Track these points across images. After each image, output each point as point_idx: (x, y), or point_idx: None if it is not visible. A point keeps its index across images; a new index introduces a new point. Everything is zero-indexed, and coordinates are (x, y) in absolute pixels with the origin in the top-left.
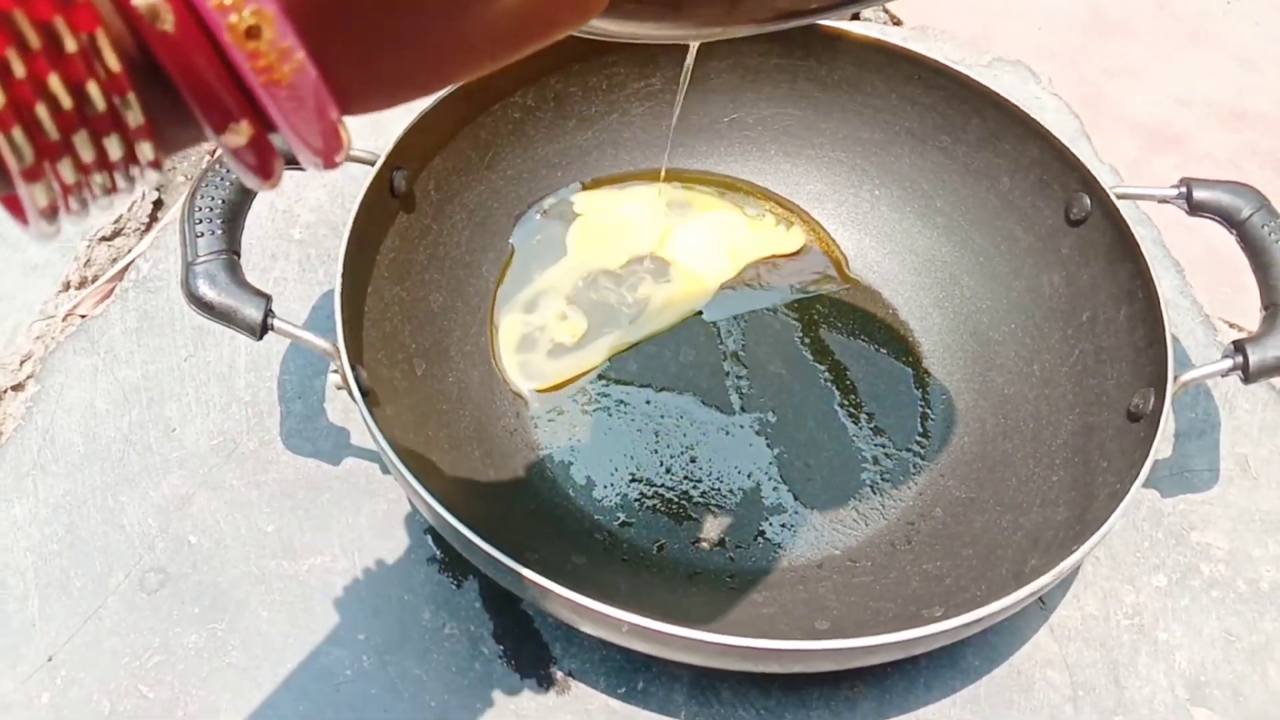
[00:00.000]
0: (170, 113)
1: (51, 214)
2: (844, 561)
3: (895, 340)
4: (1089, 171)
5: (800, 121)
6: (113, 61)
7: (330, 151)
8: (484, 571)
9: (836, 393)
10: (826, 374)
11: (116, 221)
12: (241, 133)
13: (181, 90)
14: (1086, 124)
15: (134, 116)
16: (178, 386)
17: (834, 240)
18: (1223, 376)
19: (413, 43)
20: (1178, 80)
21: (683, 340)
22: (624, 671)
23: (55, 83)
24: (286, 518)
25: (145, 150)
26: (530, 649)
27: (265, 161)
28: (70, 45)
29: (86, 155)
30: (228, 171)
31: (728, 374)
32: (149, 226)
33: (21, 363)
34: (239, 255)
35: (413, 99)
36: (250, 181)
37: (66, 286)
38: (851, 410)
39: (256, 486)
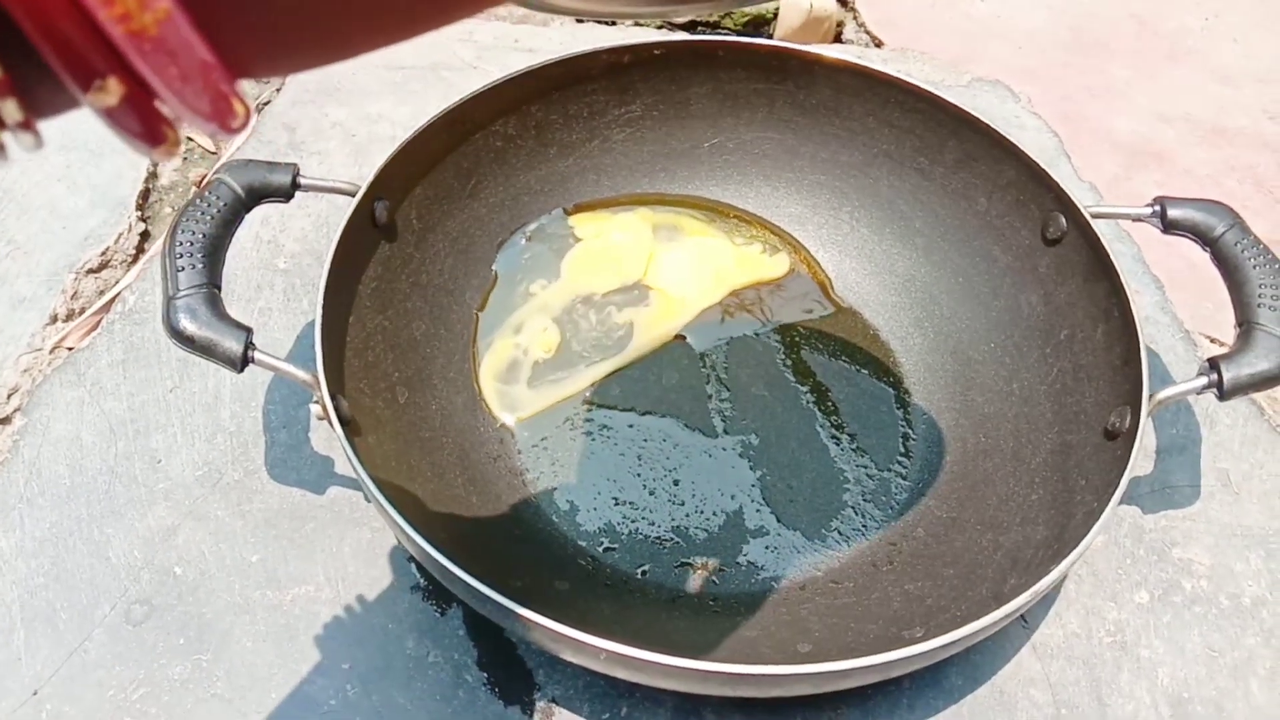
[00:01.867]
0: (37, 70)
1: None
2: (826, 583)
3: (876, 361)
4: (1064, 191)
5: (779, 145)
6: None
7: (222, 116)
8: (464, 600)
9: (819, 414)
10: (809, 395)
11: (103, 254)
12: (110, 92)
13: (32, 39)
14: (1067, 142)
15: None
16: (163, 418)
17: (818, 262)
18: (1198, 394)
19: None
20: (1158, 97)
21: (666, 364)
22: (608, 698)
23: None
24: (271, 548)
25: (9, 109)
26: (514, 676)
27: (151, 127)
28: None
29: None
30: (209, 206)
31: (710, 397)
32: (135, 258)
33: (8, 396)
34: (219, 289)
35: (318, 63)
36: (138, 149)
37: (54, 319)
38: (834, 431)
39: (241, 517)
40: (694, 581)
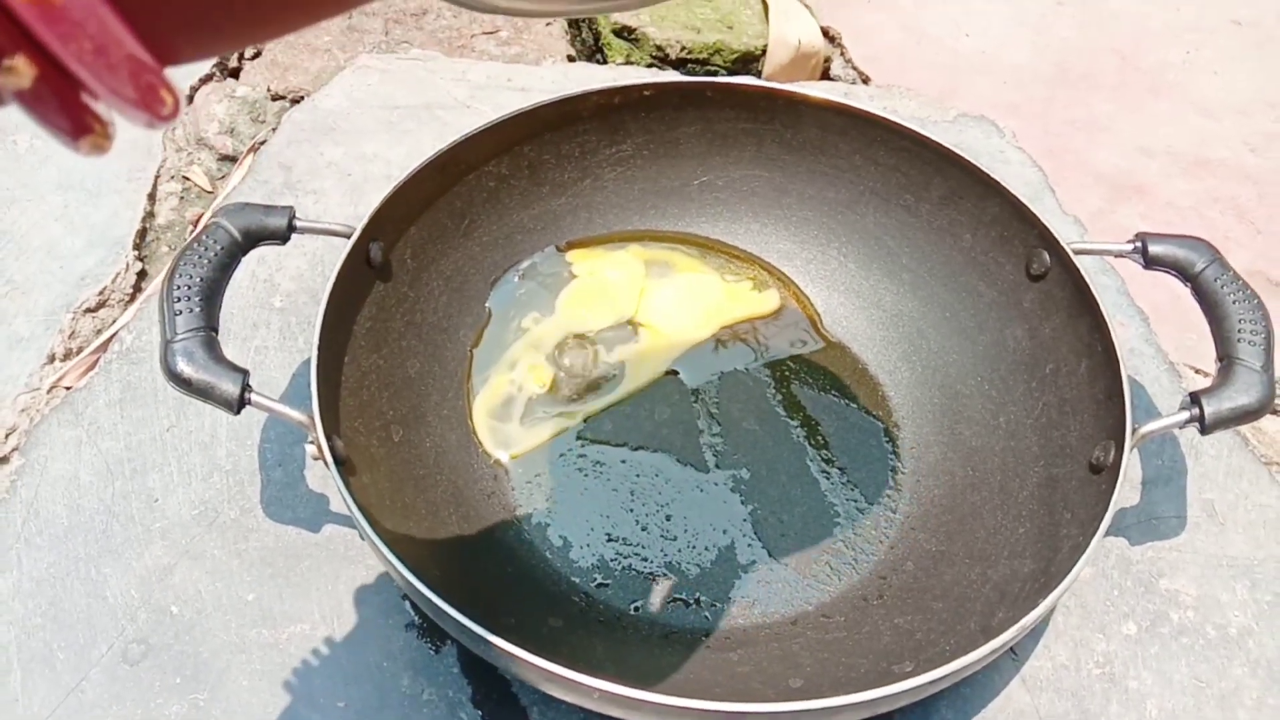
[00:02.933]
0: None
1: None
2: (817, 617)
3: (865, 395)
4: (1047, 228)
5: (768, 183)
6: None
7: (150, 104)
8: (457, 638)
9: (809, 448)
10: (799, 430)
11: (101, 293)
12: (20, 73)
13: None
14: (1051, 176)
15: None
16: (160, 457)
17: (807, 298)
18: (1180, 429)
19: None
20: (1140, 130)
21: (658, 399)
22: None
23: None
24: (267, 586)
25: None
26: (509, 714)
27: (75, 117)
28: None
29: None
30: (206, 249)
31: (702, 431)
32: (132, 297)
33: (6, 436)
34: (216, 331)
35: (243, 42)
36: (63, 141)
37: (51, 359)
38: (824, 465)
39: (237, 555)
40: (655, 597)
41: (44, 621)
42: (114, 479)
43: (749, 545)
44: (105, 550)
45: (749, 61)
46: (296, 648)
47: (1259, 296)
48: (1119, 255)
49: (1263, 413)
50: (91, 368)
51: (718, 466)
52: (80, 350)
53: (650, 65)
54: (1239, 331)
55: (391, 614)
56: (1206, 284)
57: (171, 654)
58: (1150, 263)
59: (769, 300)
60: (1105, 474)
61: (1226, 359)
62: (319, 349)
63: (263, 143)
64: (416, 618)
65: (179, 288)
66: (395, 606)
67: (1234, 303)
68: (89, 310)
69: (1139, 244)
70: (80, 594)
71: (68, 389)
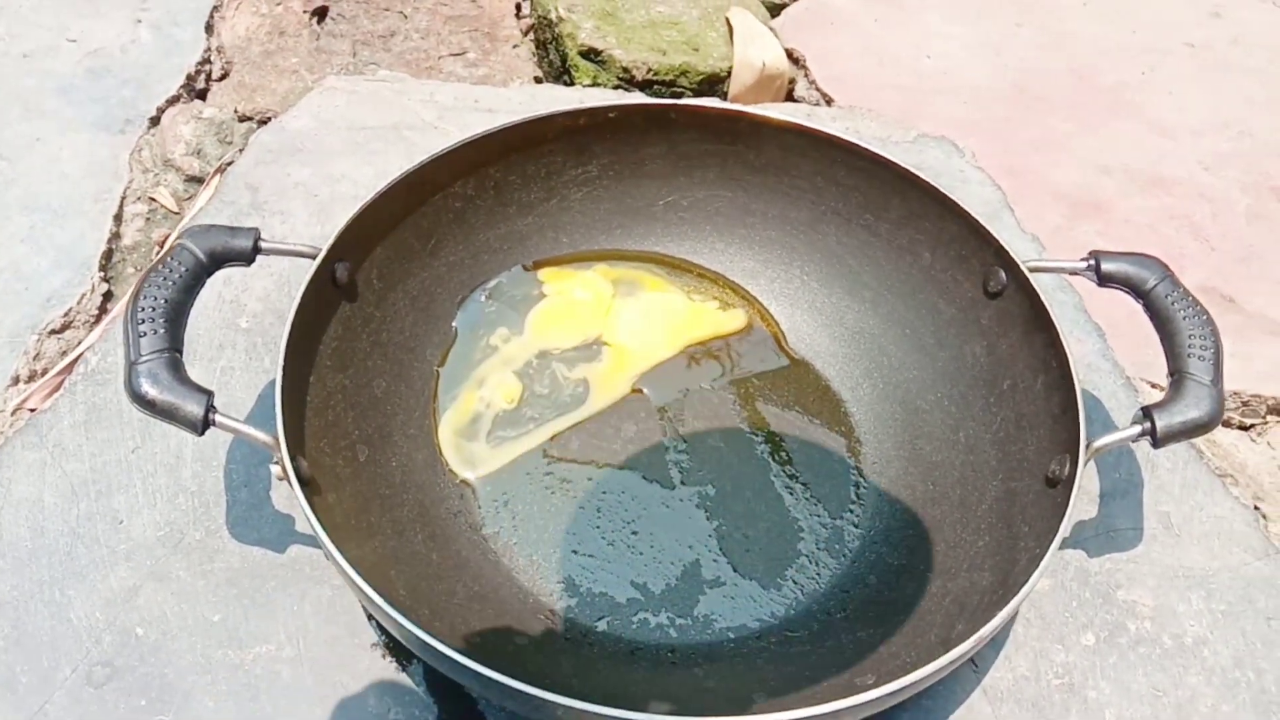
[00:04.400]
0: None
1: None
2: (782, 631)
3: (828, 411)
4: (1003, 247)
5: (731, 203)
6: None
7: None
8: (423, 657)
9: (773, 464)
10: (763, 446)
11: (66, 315)
12: None
13: None
14: (1010, 195)
15: None
16: (125, 478)
17: (771, 316)
18: (1133, 442)
19: None
20: (1098, 149)
21: (624, 417)
22: None
23: None
24: (232, 607)
25: None
26: None
27: None
28: None
29: None
30: (171, 271)
31: (668, 449)
32: (98, 319)
33: None
34: (181, 353)
35: None
36: None
37: (15, 381)
38: (788, 481)
39: (203, 576)
40: (652, 633)
41: (6, 645)
42: (78, 501)
43: (714, 561)
44: (70, 572)
45: (715, 83)
46: (262, 668)
47: (1209, 313)
48: (1074, 273)
49: (1213, 426)
50: (56, 389)
51: (683, 483)
52: (45, 372)
53: (617, 87)
54: (1189, 347)
55: (357, 633)
56: (1158, 300)
57: (136, 676)
58: (1104, 280)
59: (735, 319)
60: (1061, 487)
61: (1177, 374)
62: (284, 369)
63: (230, 164)
64: (382, 638)
65: (143, 309)
66: (361, 626)
67: (1184, 319)
68: (54, 331)
69: (1093, 261)
70: (44, 616)
71: (32, 411)
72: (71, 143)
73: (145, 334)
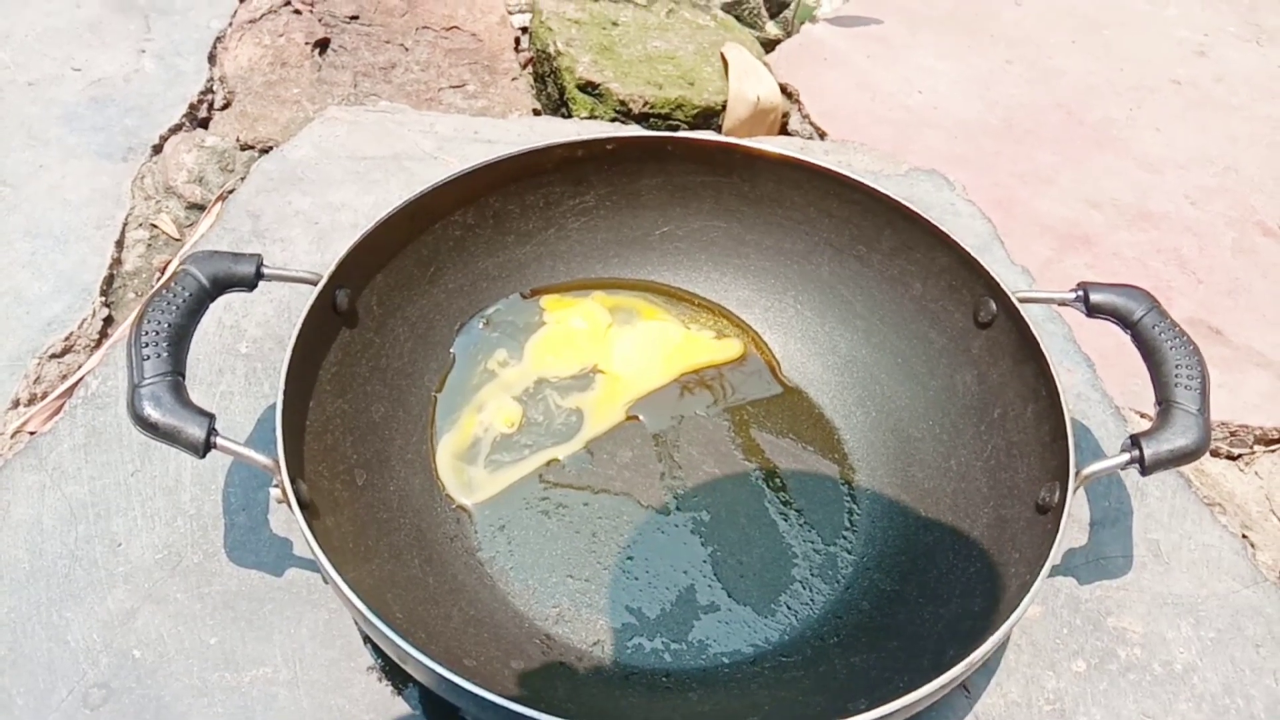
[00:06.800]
0: None
1: None
2: (775, 657)
3: (822, 438)
4: (993, 278)
5: (726, 234)
6: None
7: None
8: (419, 680)
9: (767, 490)
10: (757, 473)
11: (67, 339)
12: None
13: None
14: (1000, 227)
15: None
16: (124, 501)
17: (766, 344)
18: (1122, 470)
19: None
20: (1086, 183)
21: (620, 443)
22: None
23: None
24: (229, 629)
25: None
26: None
27: None
28: None
29: None
30: (175, 296)
31: (663, 475)
32: (99, 343)
33: None
34: (184, 376)
35: None
36: None
37: (15, 404)
38: (782, 507)
39: (200, 599)
40: (647, 658)
41: (3, 666)
42: (77, 523)
43: (709, 586)
44: (67, 594)
45: (710, 116)
46: (259, 691)
47: (1195, 343)
48: (1063, 304)
49: (1200, 454)
50: (56, 413)
51: (678, 509)
52: (45, 395)
53: (614, 119)
54: (1176, 376)
55: (354, 656)
56: (1145, 331)
57: (133, 698)
58: (1092, 311)
59: (730, 348)
60: (1051, 514)
61: (1165, 403)
62: (284, 394)
63: (231, 191)
64: (379, 660)
65: (147, 333)
66: (357, 649)
67: (1171, 349)
68: (54, 355)
69: (1081, 293)
70: (41, 638)
71: (32, 434)
72: (74, 170)
73: (149, 357)
